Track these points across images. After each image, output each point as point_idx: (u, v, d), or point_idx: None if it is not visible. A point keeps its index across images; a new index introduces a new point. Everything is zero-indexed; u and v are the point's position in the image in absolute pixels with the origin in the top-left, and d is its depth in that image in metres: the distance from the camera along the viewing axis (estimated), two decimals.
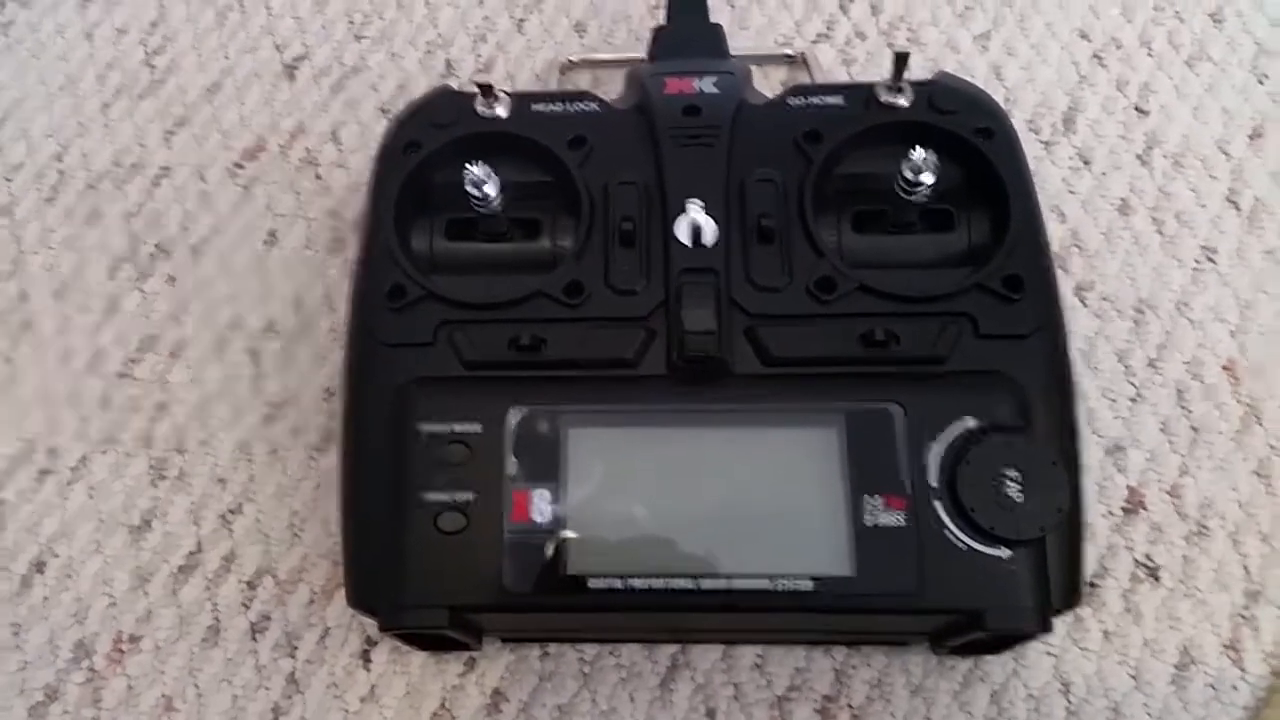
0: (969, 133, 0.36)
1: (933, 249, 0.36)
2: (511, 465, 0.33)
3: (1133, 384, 0.41)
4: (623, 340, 0.34)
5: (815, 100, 0.38)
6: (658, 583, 0.32)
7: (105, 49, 0.49)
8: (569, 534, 0.32)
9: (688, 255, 0.35)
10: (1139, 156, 0.45)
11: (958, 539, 0.31)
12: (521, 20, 0.49)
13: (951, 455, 0.32)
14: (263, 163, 0.46)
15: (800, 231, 0.35)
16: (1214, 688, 0.37)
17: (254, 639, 0.38)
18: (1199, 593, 0.38)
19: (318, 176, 0.46)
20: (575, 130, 0.37)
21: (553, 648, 0.38)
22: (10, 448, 0.42)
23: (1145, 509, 0.39)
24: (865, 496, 0.32)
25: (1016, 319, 0.34)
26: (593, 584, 0.32)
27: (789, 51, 0.47)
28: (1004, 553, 0.31)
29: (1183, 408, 0.41)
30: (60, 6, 0.50)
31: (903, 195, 0.35)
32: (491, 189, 0.35)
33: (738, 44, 0.43)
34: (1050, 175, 0.45)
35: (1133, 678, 0.37)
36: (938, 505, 0.32)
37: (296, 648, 0.38)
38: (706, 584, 0.32)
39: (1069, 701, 0.37)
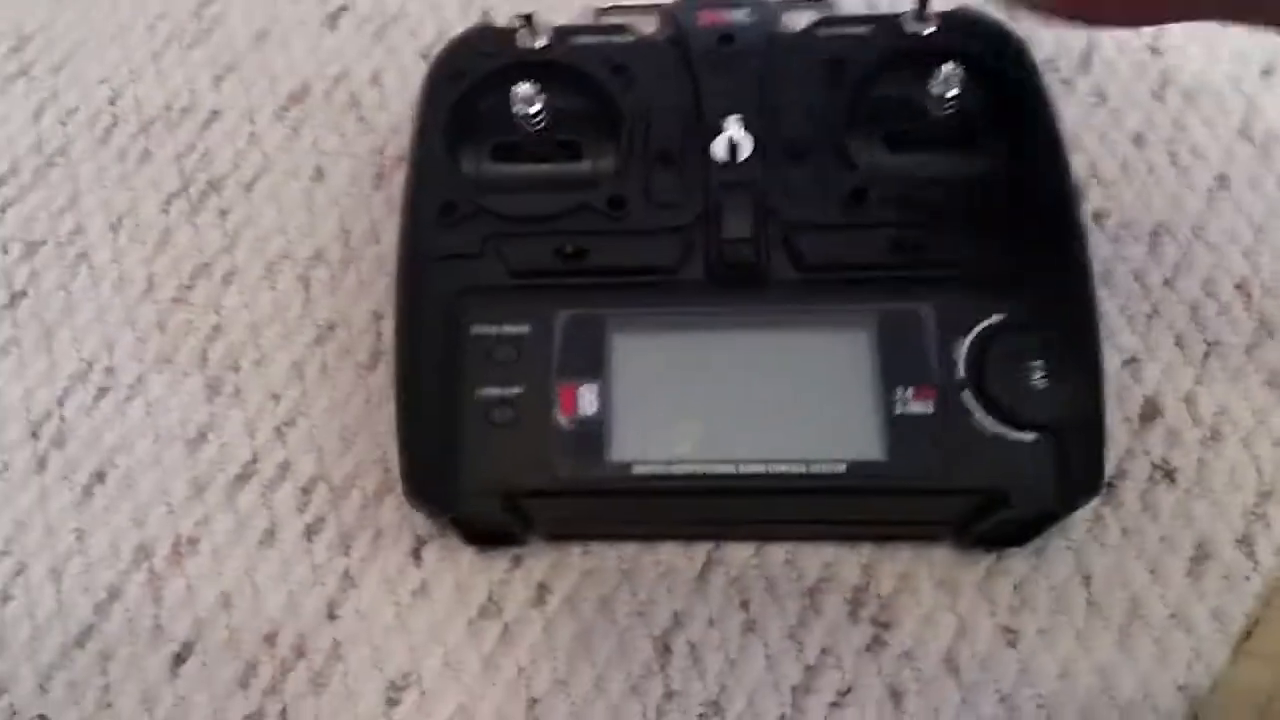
0: (991, 56, 0.38)
1: (959, 164, 0.38)
2: (558, 363, 0.35)
3: (1149, 302, 0.43)
4: (663, 248, 0.36)
5: (844, 30, 0.40)
6: (698, 468, 0.34)
7: (155, 1, 0.51)
8: (614, 424, 0.34)
9: (725, 170, 0.37)
10: (1153, 93, 0.47)
11: (984, 425, 0.33)
12: None
13: (978, 348, 0.34)
14: (308, 105, 0.48)
15: (832, 148, 0.37)
16: (1227, 578, 0.38)
17: (309, 540, 0.40)
18: (1213, 493, 0.39)
19: (361, 118, 0.48)
20: (614, 59, 0.39)
21: (594, 546, 0.39)
22: (68, 368, 0.44)
23: (1161, 416, 0.41)
24: (897, 388, 0.34)
25: (1040, 225, 0.36)
26: (636, 469, 0.34)
27: None
28: (1028, 436, 0.33)
29: (1196, 323, 0.42)
30: None
31: (931, 113, 0.37)
32: (538, 107, 0.37)
33: None
34: (1068, 112, 0.46)
35: (1150, 571, 0.38)
36: (965, 394, 0.34)
37: (350, 547, 0.40)
38: (746, 469, 0.34)
39: (1089, 593, 0.38)
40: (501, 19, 0.49)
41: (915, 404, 0.34)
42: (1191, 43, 0.48)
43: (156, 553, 0.40)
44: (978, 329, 0.34)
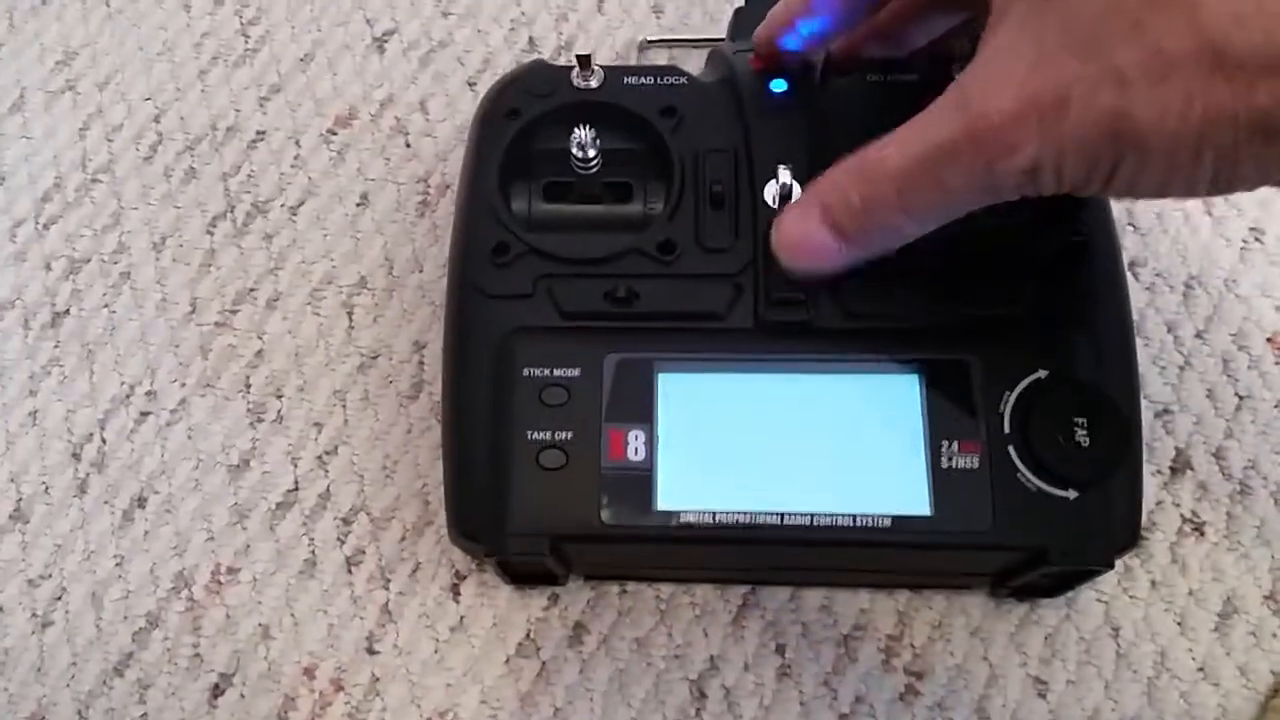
0: None
1: (1001, 217, 0.39)
2: (607, 408, 0.35)
3: (1181, 353, 0.43)
4: (712, 295, 0.37)
5: (893, 77, 0.40)
6: (744, 517, 0.34)
7: (201, 19, 0.51)
8: (660, 471, 0.35)
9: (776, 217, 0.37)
10: None
11: (1029, 481, 0.34)
12: (601, 0, 0.51)
13: (1024, 403, 0.34)
14: (354, 130, 0.48)
15: None
16: (1255, 634, 0.39)
17: (349, 571, 0.40)
18: (1241, 547, 0.40)
19: (407, 144, 0.48)
20: (666, 101, 0.40)
21: (631, 586, 0.40)
22: (110, 390, 0.44)
23: (1192, 469, 0.41)
24: (943, 441, 0.34)
25: (1087, 279, 0.36)
26: (683, 518, 0.34)
27: None
28: (1071, 494, 0.34)
29: (1228, 376, 0.43)
30: None
31: None
32: (595, 151, 0.38)
33: None
34: None
35: (1178, 624, 0.39)
36: (1010, 450, 0.34)
37: (390, 580, 0.40)
38: (791, 520, 0.34)
39: (1118, 645, 0.39)
40: (547, 48, 0.50)
41: (961, 458, 0.34)
42: None
43: (196, 581, 0.41)
44: (1024, 383, 0.35)
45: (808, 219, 0.32)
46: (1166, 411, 0.42)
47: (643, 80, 0.41)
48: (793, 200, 0.37)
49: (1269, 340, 0.44)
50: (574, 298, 0.37)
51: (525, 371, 0.36)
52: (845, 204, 0.31)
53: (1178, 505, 0.41)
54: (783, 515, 0.34)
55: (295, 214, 0.47)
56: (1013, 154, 0.28)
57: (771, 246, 0.34)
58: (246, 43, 0.51)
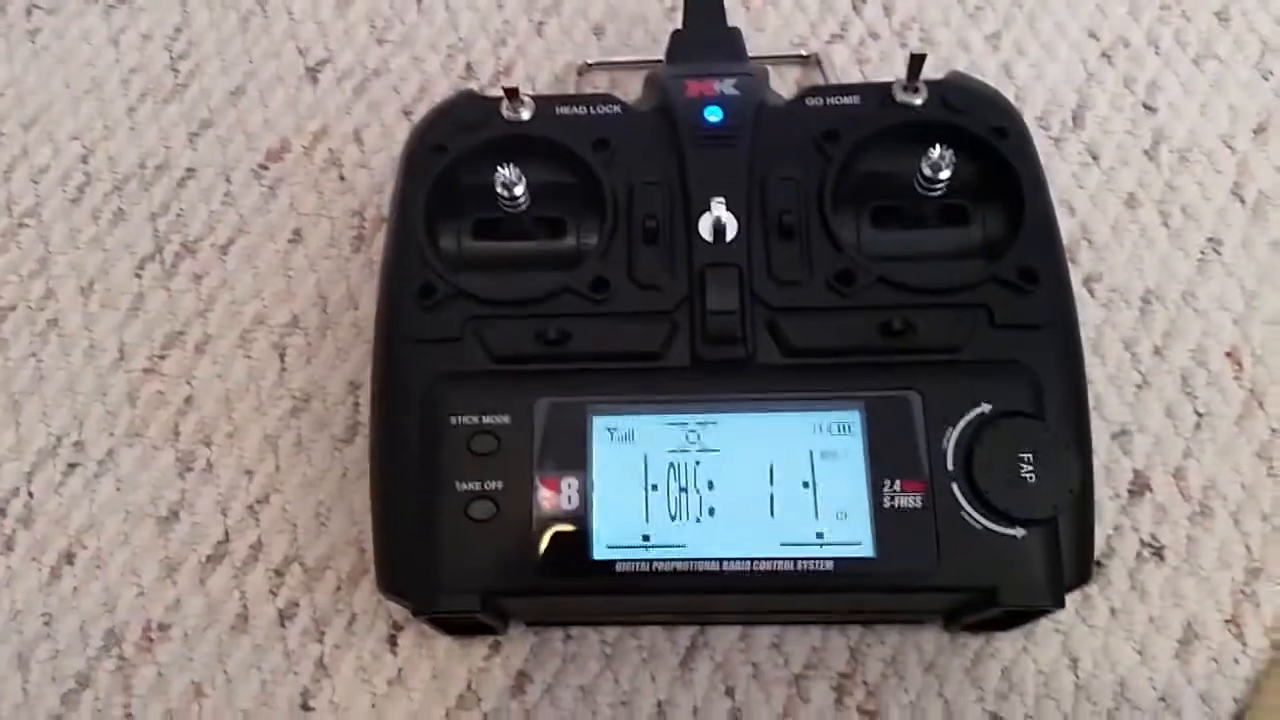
0: (984, 130, 0.38)
1: (948, 243, 0.38)
2: (539, 455, 0.34)
3: (1139, 371, 0.42)
4: (647, 333, 0.35)
5: (833, 100, 0.39)
6: (683, 565, 0.33)
7: (130, 54, 0.50)
8: (596, 520, 0.33)
9: (710, 251, 0.36)
10: (1146, 152, 0.46)
11: (974, 519, 0.33)
12: (541, 23, 0.50)
13: (967, 440, 0.33)
14: (287, 164, 0.47)
15: (820, 227, 0.37)
16: (1216, 661, 0.38)
17: (282, 625, 0.39)
18: (1202, 570, 0.39)
19: (341, 177, 0.47)
20: (598, 132, 0.38)
21: (575, 630, 0.39)
22: (37, 442, 0.43)
23: (1150, 491, 0.40)
24: (885, 480, 0.33)
25: (1031, 309, 0.35)
26: (620, 568, 0.33)
27: (804, 52, 0.48)
28: (1018, 532, 0.32)
29: (1187, 393, 0.42)
30: (86, 13, 0.51)
31: (920, 191, 0.36)
32: (521, 190, 0.36)
33: (753, 45, 0.44)
34: (1059, 170, 0.46)
35: (1138, 653, 0.38)
36: (954, 488, 0.33)
37: (324, 633, 0.39)
38: (731, 566, 0.33)
39: (1077, 677, 0.38)
40: (485, 73, 0.49)
41: (904, 497, 0.33)
42: (1185, 99, 0.47)
43: (127, 638, 0.39)
44: (966, 418, 0.33)
45: None
46: (1124, 432, 0.41)
47: (575, 110, 0.39)
48: (726, 234, 0.36)
49: (1228, 354, 0.43)
50: (504, 340, 0.35)
51: (453, 419, 0.34)
52: None
53: (1136, 529, 0.40)
54: (722, 562, 0.33)
55: (225, 253, 0.45)
56: None
57: None
58: (176, 77, 0.49)
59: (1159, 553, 0.39)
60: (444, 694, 0.38)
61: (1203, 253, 0.45)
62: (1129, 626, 0.38)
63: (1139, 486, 0.41)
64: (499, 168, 0.36)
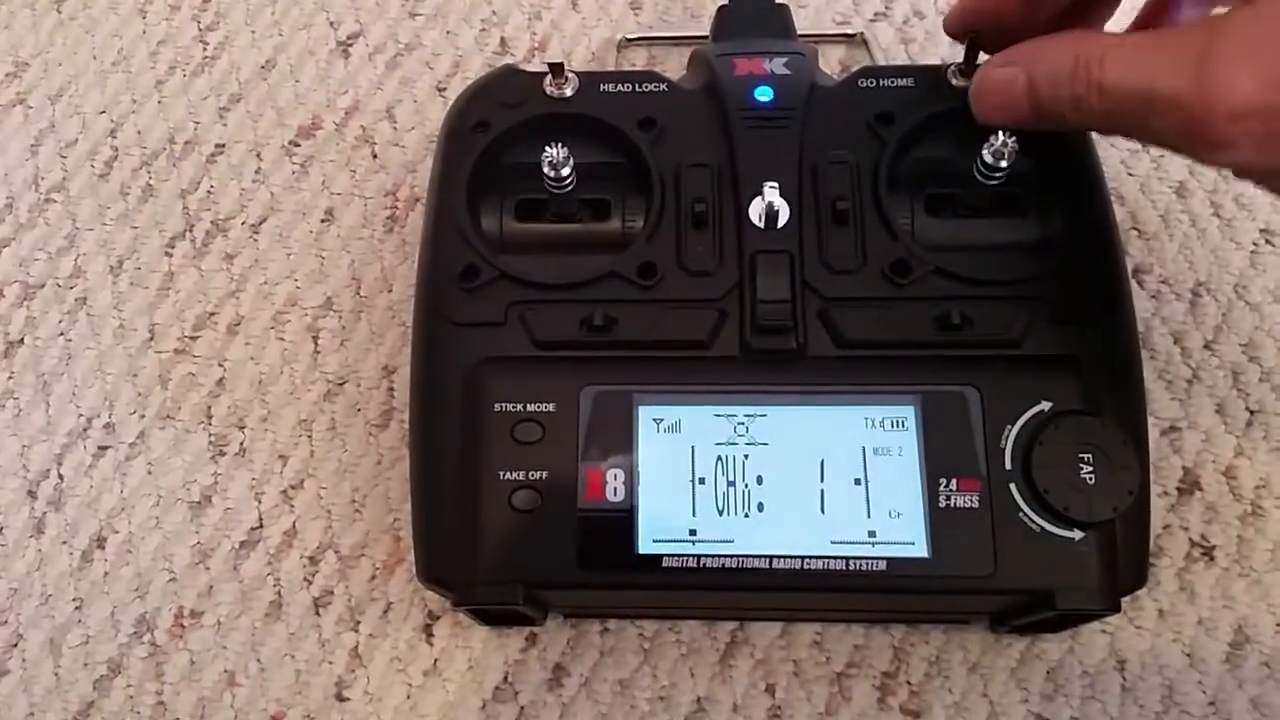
0: None
1: (1003, 233, 0.36)
2: (584, 444, 0.33)
3: (1189, 365, 0.41)
4: (696, 321, 0.34)
5: (886, 82, 0.38)
6: (731, 562, 0.32)
7: (158, 25, 0.49)
8: (642, 513, 0.33)
9: (761, 237, 0.35)
10: None
11: (1031, 521, 0.32)
12: None
13: (1025, 438, 0.32)
14: (318, 140, 0.46)
15: (875, 214, 0.35)
16: (1268, 665, 0.37)
17: (317, 614, 0.38)
18: (1254, 572, 0.38)
19: (374, 155, 0.46)
20: (644, 111, 0.37)
21: (613, 623, 0.38)
22: (67, 424, 0.42)
23: (1200, 489, 0.39)
24: (940, 479, 0.32)
25: (1090, 304, 0.34)
26: (666, 563, 0.32)
27: (848, 30, 0.47)
28: (1076, 534, 0.32)
29: (1239, 389, 0.41)
30: None
31: (979, 179, 0.35)
32: (569, 170, 0.35)
33: (796, 23, 0.42)
34: (1109, 158, 0.45)
35: (1187, 656, 0.37)
36: (1012, 487, 0.32)
37: (359, 622, 0.38)
38: (780, 564, 0.32)
39: (1124, 679, 0.37)
40: (520, 49, 0.48)
41: (960, 496, 0.32)
42: None
43: (159, 625, 0.39)
44: (1026, 416, 0.33)
45: (1013, 87, 0.33)
46: (1174, 429, 0.40)
47: (620, 88, 0.38)
48: (778, 220, 0.35)
49: None
50: (548, 325, 0.35)
51: (496, 406, 0.34)
52: (1052, 87, 0.31)
53: (1186, 529, 0.39)
54: (771, 559, 0.32)
55: (257, 232, 0.45)
56: (1220, 150, 0.26)
57: (969, 93, 0.34)
58: (205, 50, 0.48)
59: (1209, 553, 0.39)
60: (480, 686, 0.37)
61: (1255, 244, 0.43)
62: (1178, 629, 0.38)
63: (1189, 485, 0.40)
64: (547, 147, 0.35)
